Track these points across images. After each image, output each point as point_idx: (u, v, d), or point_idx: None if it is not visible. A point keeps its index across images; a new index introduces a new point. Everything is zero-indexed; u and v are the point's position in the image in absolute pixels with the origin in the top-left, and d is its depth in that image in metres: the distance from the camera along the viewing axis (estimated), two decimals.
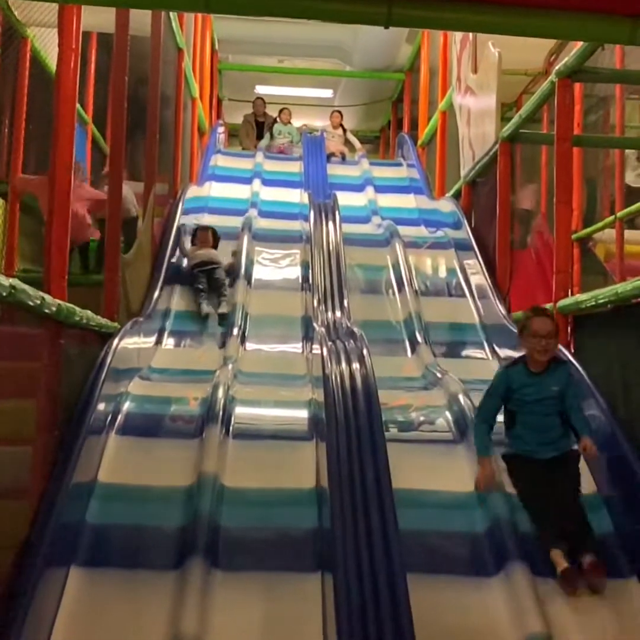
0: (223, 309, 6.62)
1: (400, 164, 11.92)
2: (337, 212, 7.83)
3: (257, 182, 9.95)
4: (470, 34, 8.43)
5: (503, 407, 4.02)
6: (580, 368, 4.61)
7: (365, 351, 4.56)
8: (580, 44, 5.39)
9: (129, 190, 6.80)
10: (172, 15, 8.28)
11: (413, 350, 6.22)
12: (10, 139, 6.07)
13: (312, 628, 3.20)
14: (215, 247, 7.23)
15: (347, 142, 12.59)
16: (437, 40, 10.75)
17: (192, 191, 9.15)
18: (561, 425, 3.92)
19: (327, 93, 15.65)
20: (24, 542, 3.34)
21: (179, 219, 7.97)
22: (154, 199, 7.00)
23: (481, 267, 7.25)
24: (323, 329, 5.58)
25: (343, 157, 12.15)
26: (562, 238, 5.65)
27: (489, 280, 6.99)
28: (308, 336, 6.15)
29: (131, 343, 5.26)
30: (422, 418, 4.93)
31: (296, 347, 6.28)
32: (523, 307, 6.39)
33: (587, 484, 3.99)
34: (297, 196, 9.61)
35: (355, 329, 5.19)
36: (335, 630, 2.96)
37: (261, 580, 3.43)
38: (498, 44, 7.33)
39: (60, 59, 4.39)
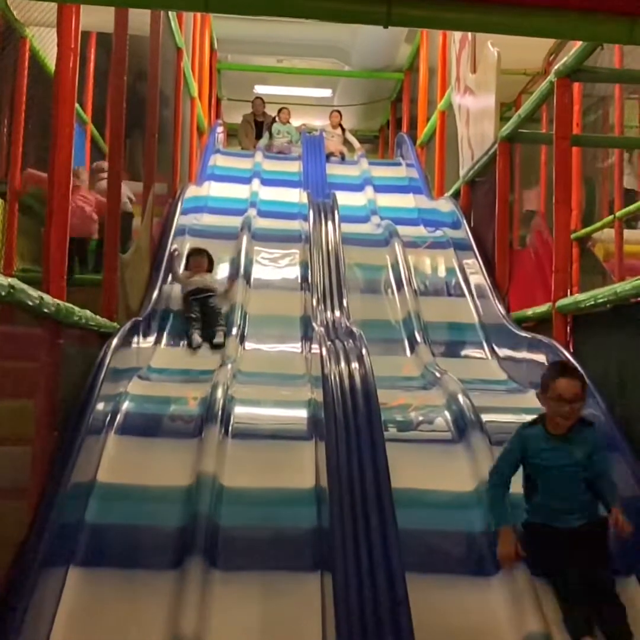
0: (219, 339, 6.17)
1: (399, 164, 11.92)
2: (336, 212, 7.84)
3: (256, 182, 9.94)
4: (469, 34, 8.43)
5: (523, 471, 3.60)
6: (579, 368, 4.60)
7: (364, 351, 4.56)
8: (579, 43, 5.39)
9: (124, 185, 6.76)
10: (171, 14, 8.27)
11: (412, 350, 6.22)
12: (10, 139, 6.07)
13: (311, 628, 3.20)
14: (210, 271, 6.79)
15: (346, 142, 12.58)
16: (436, 40, 10.75)
17: (191, 191, 9.15)
18: (587, 491, 3.49)
19: (326, 93, 15.65)
20: (23, 542, 3.34)
21: (178, 219, 7.98)
22: (153, 198, 7.00)
23: (480, 267, 7.25)
24: (322, 329, 5.58)
25: (342, 157, 12.15)
26: (561, 237, 5.65)
27: (488, 280, 6.99)
28: (307, 336, 6.15)
29: (130, 343, 5.26)
30: (421, 417, 4.93)
31: (295, 346, 6.28)
32: (522, 306, 6.40)
33: None
34: (296, 196, 9.61)
35: (354, 329, 5.19)
36: (334, 630, 2.96)
37: (260, 580, 3.43)
38: (497, 43, 7.33)
39: (59, 58, 4.39)
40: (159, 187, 7.59)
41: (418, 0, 3.27)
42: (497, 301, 6.68)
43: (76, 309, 4.12)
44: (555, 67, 5.80)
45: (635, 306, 4.27)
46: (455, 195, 8.92)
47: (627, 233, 6.88)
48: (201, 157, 11.05)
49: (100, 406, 4.23)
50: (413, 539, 3.56)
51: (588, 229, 7.04)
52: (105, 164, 7.61)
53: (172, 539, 3.59)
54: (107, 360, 4.51)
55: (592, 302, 4.72)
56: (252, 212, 8.66)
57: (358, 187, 10.31)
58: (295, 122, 13.13)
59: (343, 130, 12.66)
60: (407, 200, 10.12)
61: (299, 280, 7.20)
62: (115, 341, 4.77)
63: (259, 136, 12.93)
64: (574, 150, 6.48)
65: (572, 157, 6.22)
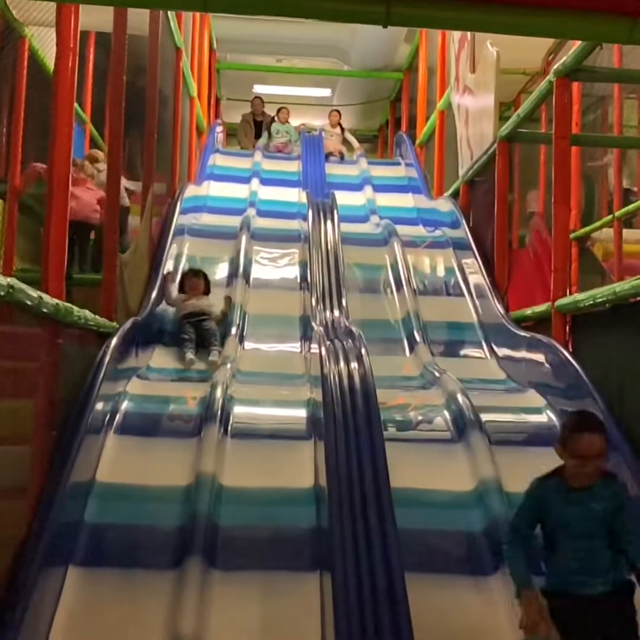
0: (214, 357, 5.81)
1: (398, 163, 11.92)
2: (335, 212, 7.83)
3: (255, 182, 9.94)
4: (469, 33, 8.43)
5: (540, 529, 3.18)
6: (579, 368, 4.61)
7: (363, 350, 4.56)
8: (578, 43, 5.40)
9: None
10: (171, 14, 8.27)
11: (411, 350, 6.22)
12: (9, 139, 6.07)
13: (311, 627, 3.20)
14: (207, 293, 6.36)
15: (345, 141, 12.58)
16: (436, 40, 10.75)
17: (191, 190, 9.15)
18: (611, 551, 3.07)
19: (325, 92, 15.65)
20: (23, 542, 3.34)
21: (177, 219, 7.97)
22: (152, 198, 7.00)
23: (479, 267, 7.25)
24: (321, 329, 5.58)
25: (341, 157, 12.14)
26: (560, 237, 5.65)
27: (487, 280, 6.99)
28: (306, 335, 6.15)
29: (129, 342, 5.26)
30: (420, 417, 4.94)
31: (294, 346, 6.28)
32: (521, 306, 6.40)
33: None
34: (295, 195, 9.60)
35: (354, 328, 5.19)
36: (334, 629, 2.96)
37: (259, 579, 3.44)
38: (496, 43, 7.33)
39: (58, 58, 4.39)
40: (158, 187, 7.58)
41: None
42: (496, 301, 6.68)
43: (75, 308, 4.12)
44: (555, 66, 5.80)
45: (634, 306, 4.27)
46: (455, 195, 8.92)
47: (626, 233, 6.88)
48: (200, 157, 11.05)
49: (99, 406, 4.23)
50: (412, 538, 3.56)
51: (587, 228, 7.04)
52: (99, 154, 7.62)
53: (172, 538, 3.60)
54: (106, 360, 4.51)
55: (591, 302, 4.72)
56: (251, 211, 8.66)
57: (357, 187, 10.31)
58: (295, 121, 13.13)
59: (342, 129, 12.66)
60: (406, 200, 10.12)
61: (298, 280, 7.19)
62: (114, 341, 4.77)
63: (258, 136, 12.92)
64: (573, 150, 6.48)
65: (571, 157, 6.23)
